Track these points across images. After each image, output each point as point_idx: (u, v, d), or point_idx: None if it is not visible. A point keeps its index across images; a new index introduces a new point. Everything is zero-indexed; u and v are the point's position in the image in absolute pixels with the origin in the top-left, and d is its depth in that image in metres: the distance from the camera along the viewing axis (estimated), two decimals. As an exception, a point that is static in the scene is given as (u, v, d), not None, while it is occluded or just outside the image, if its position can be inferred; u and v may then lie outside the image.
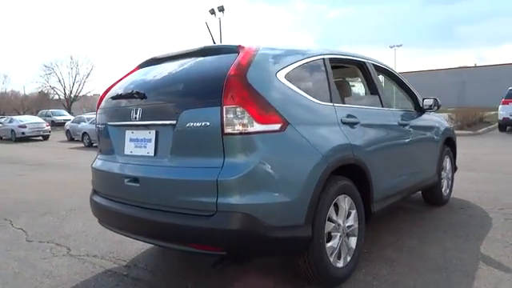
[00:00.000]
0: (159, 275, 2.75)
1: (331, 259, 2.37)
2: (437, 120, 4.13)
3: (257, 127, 2.03)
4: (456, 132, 5.09)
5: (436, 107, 3.80)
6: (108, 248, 3.27)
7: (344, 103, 2.76)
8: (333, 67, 2.75)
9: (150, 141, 2.33)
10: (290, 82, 2.30)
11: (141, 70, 2.80)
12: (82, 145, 14.84)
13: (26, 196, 5.60)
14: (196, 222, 2.04)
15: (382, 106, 3.21)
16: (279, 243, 2.11)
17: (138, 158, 2.38)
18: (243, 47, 2.24)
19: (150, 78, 2.51)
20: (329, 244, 2.36)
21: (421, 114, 3.78)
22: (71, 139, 17.22)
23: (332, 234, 2.40)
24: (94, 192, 2.77)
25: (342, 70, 3.40)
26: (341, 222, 2.46)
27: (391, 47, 43.80)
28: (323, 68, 2.64)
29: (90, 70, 44.45)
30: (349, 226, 2.54)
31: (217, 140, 2.01)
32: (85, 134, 14.82)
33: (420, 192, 4.04)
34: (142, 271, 2.81)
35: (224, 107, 2.00)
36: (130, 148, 2.46)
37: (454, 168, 4.49)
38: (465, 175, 5.36)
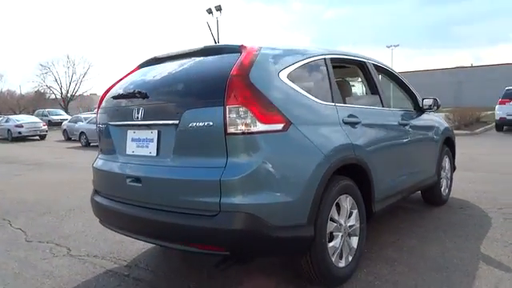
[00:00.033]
0: (161, 275, 2.75)
1: (333, 259, 2.37)
2: (436, 120, 4.15)
3: (260, 127, 2.03)
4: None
5: (435, 107, 3.82)
6: (108, 248, 3.26)
7: (345, 103, 2.76)
8: (333, 67, 2.76)
9: (152, 141, 2.33)
10: (292, 81, 2.30)
11: (141, 69, 2.79)
12: (80, 144, 14.79)
13: (23, 196, 5.57)
14: (199, 221, 2.03)
15: (383, 106, 3.22)
16: (282, 243, 2.11)
17: (140, 158, 2.38)
18: (245, 47, 2.24)
19: (152, 77, 2.51)
20: (331, 244, 2.37)
21: (420, 114, 3.80)
22: (68, 139, 17.14)
23: (334, 233, 2.41)
24: (95, 192, 2.76)
25: (343, 70, 3.40)
26: (342, 221, 2.47)
27: (388, 47, 43.92)
28: (325, 68, 2.65)
29: (87, 69, 44.18)
30: (350, 226, 2.54)
31: (220, 140, 2.01)
32: (82, 133, 14.76)
33: (419, 192, 4.06)
34: (143, 271, 2.80)
35: (227, 107, 2.00)
36: (131, 148, 2.45)
37: (453, 168, 4.52)
38: (463, 175, 5.38)
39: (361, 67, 3.22)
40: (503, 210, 3.94)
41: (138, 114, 2.35)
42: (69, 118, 22.59)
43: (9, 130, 18.96)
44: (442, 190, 4.18)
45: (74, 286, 2.60)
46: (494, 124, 13.49)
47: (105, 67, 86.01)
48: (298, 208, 2.13)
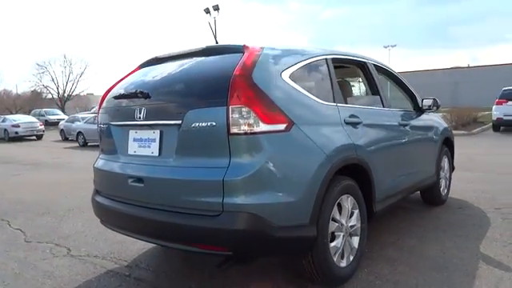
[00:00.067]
0: (162, 275, 2.74)
1: (335, 259, 2.38)
2: (436, 120, 4.18)
3: (262, 127, 2.03)
4: (451, 132, 5.13)
5: (435, 107, 3.84)
6: (108, 248, 3.25)
7: (346, 103, 2.77)
8: (334, 67, 2.77)
9: (154, 141, 2.32)
10: (295, 81, 2.31)
11: (143, 69, 2.79)
12: (77, 144, 14.73)
13: (21, 196, 5.54)
14: (202, 222, 2.03)
15: (383, 106, 3.24)
16: (285, 243, 2.12)
17: (142, 158, 2.37)
18: (248, 47, 2.24)
19: (154, 77, 2.50)
20: (332, 244, 2.37)
21: (420, 114, 3.82)
22: (65, 139, 17.08)
23: (335, 233, 2.42)
24: (96, 192, 2.75)
25: (343, 70, 3.41)
26: (344, 221, 2.48)
27: (385, 47, 44.06)
28: (326, 68, 2.65)
29: (84, 68, 43.96)
30: (351, 226, 2.55)
31: (223, 140, 2.01)
32: (79, 133, 14.71)
33: (418, 192, 4.08)
34: (144, 271, 2.80)
35: (230, 107, 2.00)
36: (133, 148, 2.45)
37: (452, 168, 4.54)
38: (461, 175, 5.41)
39: (361, 67, 3.23)
40: (502, 209, 3.96)
41: (140, 114, 2.34)
42: (66, 117, 22.50)
43: (5, 129, 18.85)
44: (441, 189, 4.20)
45: (74, 287, 2.60)
46: (490, 124, 13.57)
47: (102, 67, 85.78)
48: (301, 208, 2.14)
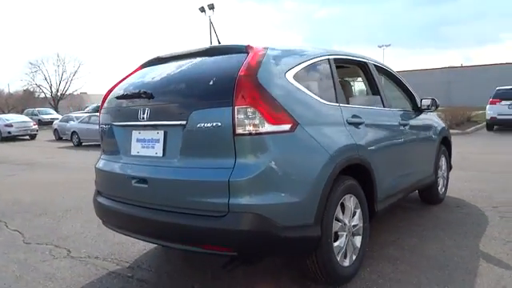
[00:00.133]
0: (164, 276, 2.73)
1: (338, 258, 2.39)
2: (434, 120, 4.22)
3: (268, 128, 2.03)
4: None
5: (434, 107, 3.87)
6: (109, 249, 3.24)
7: (348, 103, 2.79)
8: (336, 67, 2.78)
9: (158, 141, 2.31)
10: (298, 82, 2.31)
11: (144, 69, 2.77)
12: (71, 144, 14.61)
13: (18, 197, 5.48)
14: (207, 222, 2.03)
15: (384, 106, 3.26)
16: (290, 243, 2.12)
17: (146, 159, 2.36)
18: (252, 47, 2.24)
19: (157, 77, 2.49)
20: (336, 243, 2.38)
21: (419, 114, 3.85)
22: (59, 138, 16.93)
23: (339, 233, 2.43)
24: (98, 193, 2.73)
25: (344, 70, 3.42)
26: (347, 221, 2.49)
27: (380, 47, 44.30)
28: (329, 68, 2.66)
29: (78, 67, 43.47)
30: (354, 226, 2.57)
31: (228, 140, 2.01)
32: (74, 133, 14.58)
33: (416, 190, 4.11)
34: (146, 272, 2.78)
35: (235, 107, 2.00)
36: (136, 148, 2.44)
37: (449, 167, 4.58)
38: (457, 174, 5.45)
39: (362, 67, 3.25)
40: (498, 208, 4.01)
41: (143, 114, 2.33)
42: (59, 117, 22.28)
43: (-2, 129, 18.62)
44: (439, 188, 4.24)
45: (77, 288, 2.58)
46: (484, 123, 13.71)
47: (96, 66, 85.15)
48: (306, 208, 2.15)
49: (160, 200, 2.24)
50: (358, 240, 2.61)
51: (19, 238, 3.67)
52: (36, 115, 28.41)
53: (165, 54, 2.72)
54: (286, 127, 2.11)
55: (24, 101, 39.69)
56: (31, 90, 43.00)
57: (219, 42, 2.72)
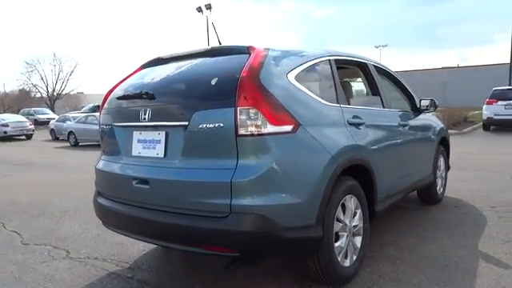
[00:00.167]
0: (164, 276, 2.73)
1: (339, 259, 2.40)
2: (433, 120, 4.24)
3: (270, 128, 2.03)
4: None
5: (433, 108, 3.89)
6: (108, 250, 3.22)
7: (349, 104, 2.79)
8: (336, 68, 2.78)
9: (159, 142, 2.31)
10: (300, 83, 2.32)
11: (145, 70, 2.76)
12: (68, 144, 14.53)
13: (15, 197, 5.45)
14: (209, 223, 2.03)
15: (383, 107, 3.27)
16: (292, 244, 2.12)
17: (147, 160, 2.36)
18: (254, 48, 2.24)
19: (158, 78, 2.48)
20: (337, 244, 2.39)
21: (418, 115, 3.86)
22: (56, 138, 16.84)
23: (339, 233, 2.44)
24: (98, 193, 2.72)
25: (344, 71, 3.43)
26: (347, 221, 2.50)
27: (376, 47, 44.47)
28: (330, 69, 2.67)
29: (74, 67, 43.12)
30: (355, 226, 2.57)
31: (230, 141, 2.01)
32: (71, 133, 14.51)
33: (415, 191, 4.13)
34: (146, 273, 2.78)
35: (238, 108, 2.00)
36: (137, 149, 2.43)
37: (448, 167, 4.61)
38: (455, 174, 5.49)
39: (362, 68, 3.26)
40: (496, 208, 4.03)
41: (144, 115, 2.32)
42: (56, 117, 22.16)
43: (-6, 129, 18.48)
44: (438, 189, 4.27)
45: (77, 290, 2.57)
46: (481, 124, 13.79)
47: (92, 65, 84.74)
48: (307, 209, 2.15)
49: (161, 201, 2.23)
50: (358, 240, 2.61)
51: (17, 238, 3.65)
52: (32, 115, 28.22)
53: (165, 54, 2.71)
54: (288, 128, 2.12)
55: (20, 100, 39.40)
56: (27, 89, 42.70)
57: (220, 43, 2.71)
